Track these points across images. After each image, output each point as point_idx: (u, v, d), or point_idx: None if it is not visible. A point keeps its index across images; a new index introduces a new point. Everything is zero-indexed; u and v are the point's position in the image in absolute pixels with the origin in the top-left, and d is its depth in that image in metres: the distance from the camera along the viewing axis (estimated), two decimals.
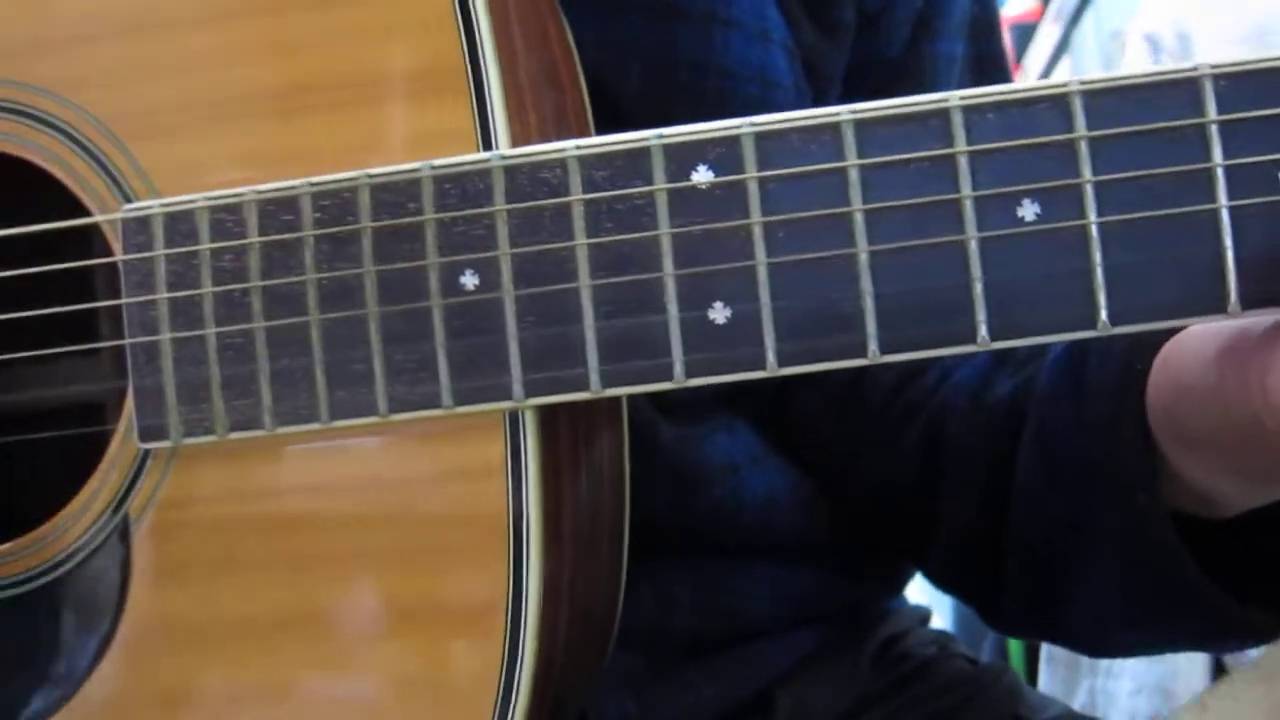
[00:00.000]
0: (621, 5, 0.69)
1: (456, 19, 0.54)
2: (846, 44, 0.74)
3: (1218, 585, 0.58)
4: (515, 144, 0.53)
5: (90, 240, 0.59)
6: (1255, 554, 0.59)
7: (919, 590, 1.00)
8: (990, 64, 0.78)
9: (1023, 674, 1.29)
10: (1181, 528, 0.58)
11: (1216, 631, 0.60)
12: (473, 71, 0.53)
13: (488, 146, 0.52)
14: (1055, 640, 0.78)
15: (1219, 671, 1.43)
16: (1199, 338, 0.52)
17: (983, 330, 0.47)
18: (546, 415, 0.53)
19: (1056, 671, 1.38)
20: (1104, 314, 0.46)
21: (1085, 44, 1.90)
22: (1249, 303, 0.45)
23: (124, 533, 0.57)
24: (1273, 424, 0.47)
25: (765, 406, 0.76)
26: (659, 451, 0.71)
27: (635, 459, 0.62)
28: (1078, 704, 1.43)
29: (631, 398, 0.67)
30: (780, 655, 0.77)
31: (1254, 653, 0.58)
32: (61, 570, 0.58)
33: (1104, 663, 1.32)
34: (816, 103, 0.72)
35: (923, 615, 0.86)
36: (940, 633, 0.85)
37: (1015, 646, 1.60)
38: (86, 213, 0.58)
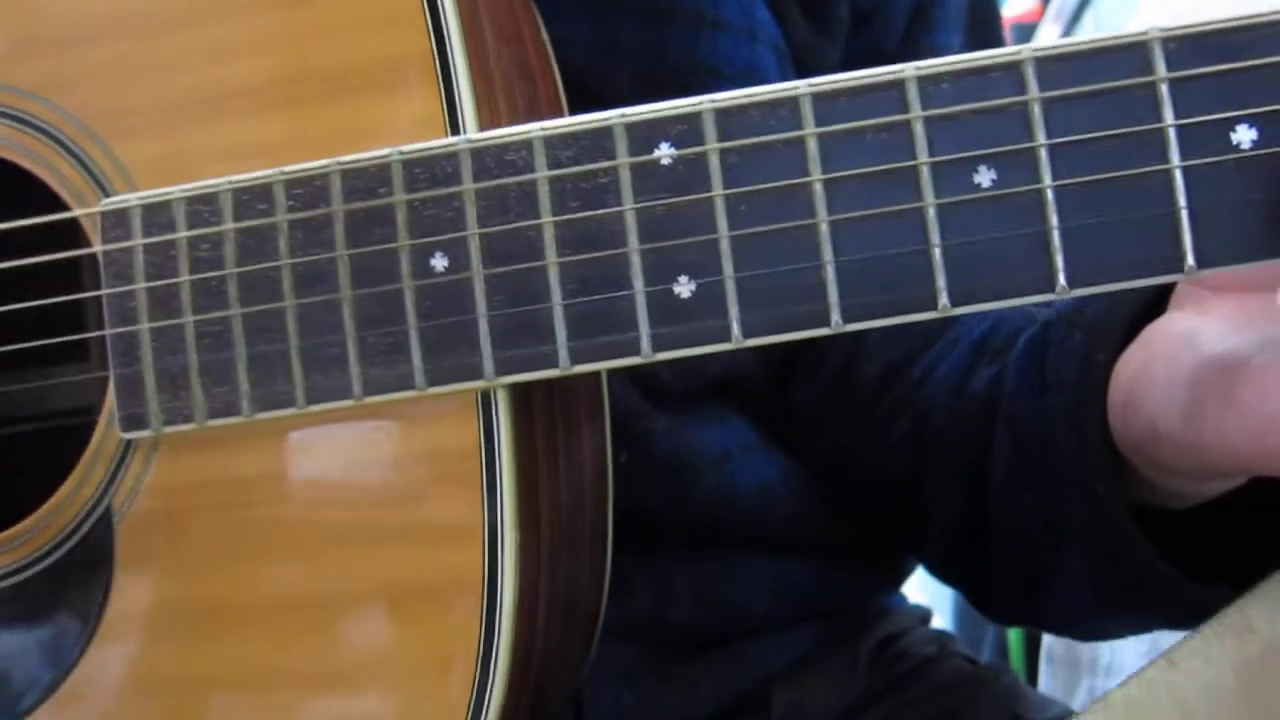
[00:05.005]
0: (611, 8, 0.70)
1: (424, 11, 0.55)
2: (841, 40, 0.74)
3: (1191, 565, 0.58)
4: (484, 130, 0.53)
5: (78, 240, 0.60)
6: (1226, 525, 0.59)
7: (919, 590, 1.00)
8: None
9: (1022, 674, 1.29)
10: (1150, 509, 0.58)
11: (1188, 614, 0.60)
12: (440, 60, 0.54)
13: (456, 132, 0.53)
14: (1044, 628, 0.79)
15: None
16: (1165, 370, 0.52)
17: (943, 297, 0.47)
18: (520, 399, 0.54)
19: (1056, 671, 1.37)
20: (1062, 276, 0.46)
21: None
22: (1204, 261, 0.45)
23: (108, 523, 0.57)
24: (1231, 470, 0.47)
25: (758, 399, 0.76)
26: (652, 442, 0.71)
27: (629, 451, 0.62)
28: (1077, 704, 1.42)
29: (622, 389, 0.68)
30: (777, 652, 0.77)
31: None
32: (47, 562, 0.58)
33: (1104, 662, 1.31)
34: None
35: (923, 615, 0.86)
36: (940, 632, 0.85)
37: (1015, 646, 1.59)
38: (68, 210, 0.59)
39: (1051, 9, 1.92)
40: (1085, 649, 1.41)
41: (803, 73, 0.73)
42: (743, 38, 0.71)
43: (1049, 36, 1.88)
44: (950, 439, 0.70)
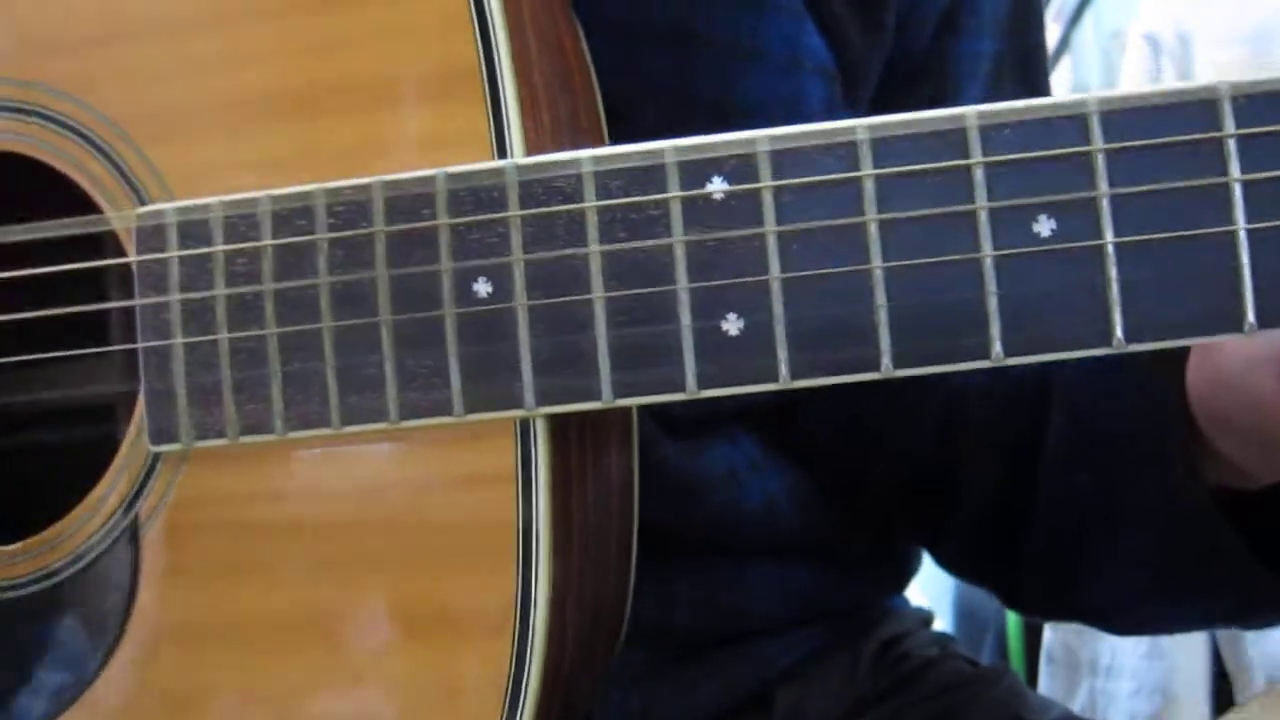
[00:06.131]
0: (639, 34, 0.68)
1: (472, 22, 0.53)
2: (885, 49, 0.73)
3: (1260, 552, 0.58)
4: (529, 147, 0.53)
5: (101, 243, 0.59)
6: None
7: (920, 592, 1.00)
8: (1025, 58, 0.77)
9: (1023, 675, 1.29)
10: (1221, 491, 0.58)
11: (1252, 603, 0.60)
12: (488, 74, 0.53)
13: (502, 149, 0.52)
14: (1076, 618, 0.78)
15: (1219, 673, 1.43)
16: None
17: (997, 346, 0.47)
18: (558, 423, 0.53)
19: (1056, 673, 1.38)
20: (1119, 331, 0.46)
21: (1085, 44, 1.89)
22: (1265, 321, 0.45)
23: (133, 535, 0.57)
24: None
25: (770, 414, 0.76)
26: (660, 466, 0.70)
27: (639, 475, 0.62)
28: (1078, 705, 1.43)
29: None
30: (780, 654, 0.77)
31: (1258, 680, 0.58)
32: (70, 572, 0.58)
33: (1104, 663, 1.32)
34: (849, 106, 0.72)
35: (924, 617, 0.86)
36: (941, 634, 0.85)
37: (1015, 648, 1.60)
38: (100, 214, 0.58)
39: (1051, 9, 1.91)
40: (1085, 650, 1.42)
41: (849, 91, 0.72)
42: (784, 68, 0.69)
43: (1049, 36, 1.87)
44: (990, 421, 0.69)
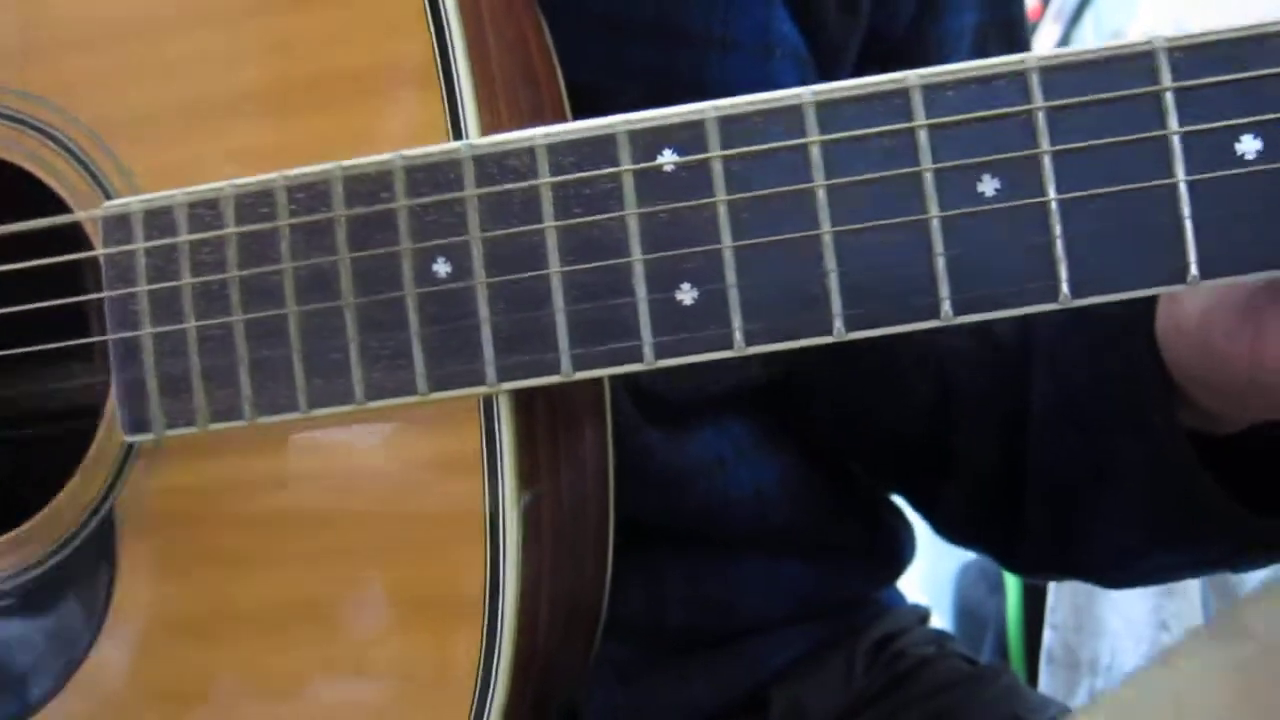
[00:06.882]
0: (620, 27, 0.69)
1: (427, 17, 0.54)
2: (861, 32, 0.74)
3: (1251, 495, 0.58)
4: (486, 135, 0.53)
5: (80, 244, 0.60)
6: (1263, 462, 0.59)
7: (919, 590, 1.00)
8: (1009, 28, 0.77)
9: (1022, 674, 1.29)
10: (1203, 437, 0.59)
11: (1243, 548, 0.60)
12: (442, 64, 0.54)
13: (458, 137, 0.53)
14: (1078, 575, 0.78)
15: None
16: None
17: (946, 306, 0.47)
18: (523, 405, 0.54)
19: (1056, 672, 1.38)
20: (1065, 286, 0.46)
21: (1085, 44, 1.90)
22: (1208, 271, 0.45)
23: (109, 527, 0.57)
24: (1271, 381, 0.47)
25: (757, 398, 0.76)
26: (645, 455, 0.71)
27: (623, 464, 0.62)
28: (1077, 704, 1.42)
29: (618, 405, 0.68)
30: (774, 653, 0.77)
31: None
32: (51, 564, 0.59)
33: (1104, 663, 1.32)
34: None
35: (921, 614, 0.86)
36: (939, 632, 0.85)
37: (1015, 647, 1.59)
38: (70, 213, 0.59)
39: (1051, 9, 1.92)
40: (1085, 650, 1.41)
41: (827, 78, 0.72)
42: (756, 56, 0.70)
43: (1049, 36, 1.88)
44: (979, 387, 0.70)
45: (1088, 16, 1.89)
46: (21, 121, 0.60)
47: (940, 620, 0.90)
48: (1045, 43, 1.87)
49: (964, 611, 1.60)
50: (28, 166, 0.60)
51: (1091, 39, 1.90)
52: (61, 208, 0.59)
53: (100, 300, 0.56)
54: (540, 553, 0.55)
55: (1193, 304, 0.53)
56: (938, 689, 0.79)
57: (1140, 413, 0.59)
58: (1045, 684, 1.37)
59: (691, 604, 0.75)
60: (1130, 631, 1.38)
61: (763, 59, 0.70)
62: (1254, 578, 0.70)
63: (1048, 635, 1.49)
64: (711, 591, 0.75)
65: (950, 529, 0.79)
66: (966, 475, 0.72)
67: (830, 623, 0.79)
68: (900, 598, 0.86)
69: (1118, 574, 0.72)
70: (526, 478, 0.54)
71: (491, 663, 0.53)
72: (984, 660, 0.84)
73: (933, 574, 1.53)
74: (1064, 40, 1.88)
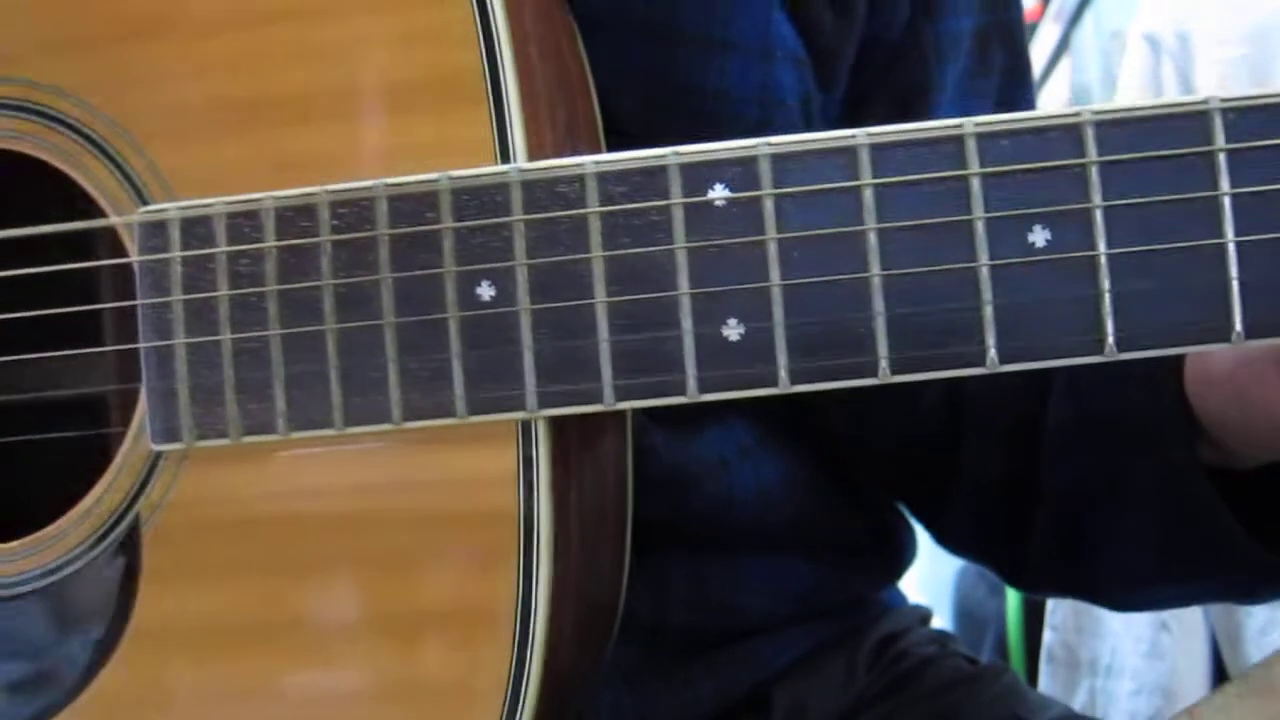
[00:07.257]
0: (620, 26, 0.68)
1: (476, 29, 0.54)
2: (857, 35, 0.73)
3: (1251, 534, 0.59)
4: (531, 154, 0.53)
5: (95, 242, 0.60)
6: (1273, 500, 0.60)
7: (919, 590, 1.01)
8: (1008, 31, 0.77)
9: (1023, 674, 1.30)
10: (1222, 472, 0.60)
11: (1254, 582, 0.61)
12: (492, 81, 0.54)
13: (505, 156, 0.53)
14: (1082, 595, 0.79)
15: (1219, 673, 1.44)
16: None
17: (992, 353, 0.48)
18: (557, 423, 0.54)
19: (1057, 672, 1.39)
20: (1111, 340, 0.47)
21: (1085, 44, 1.90)
22: (1253, 332, 0.46)
23: (133, 534, 0.57)
24: None
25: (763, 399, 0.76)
26: (650, 456, 0.71)
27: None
28: (1078, 704, 1.44)
29: None
30: (777, 653, 0.78)
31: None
32: (73, 568, 0.58)
33: (1104, 663, 1.34)
34: (823, 92, 0.73)
35: (923, 615, 0.87)
36: (940, 632, 0.86)
37: (1015, 647, 1.61)
38: (101, 214, 0.58)
39: (1051, 9, 1.92)
40: (1085, 650, 1.43)
41: (822, 77, 0.73)
42: (755, 57, 0.70)
43: (1049, 36, 1.88)
44: (990, 402, 0.70)
45: (1088, 16, 1.89)
46: (51, 117, 0.59)
47: (940, 621, 0.91)
48: (1045, 43, 1.87)
49: (964, 612, 1.61)
50: (57, 164, 0.59)
51: (1091, 39, 1.90)
52: (91, 206, 0.59)
53: (124, 307, 0.56)
54: (567, 566, 0.56)
55: (1224, 355, 0.54)
56: (939, 689, 0.79)
57: (1160, 443, 0.60)
58: (1045, 683, 1.39)
59: (695, 606, 0.75)
60: (1130, 631, 1.40)
61: (762, 60, 0.70)
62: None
63: (1048, 635, 1.50)
64: (714, 591, 0.76)
65: (955, 541, 0.80)
66: (971, 487, 0.72)
67: (833, 623, 0.80)
68: (902, 598, 0.87)
69: (1126, 596, 0.73)
70: (560, 494, 0.54)
71: (522, 677, 0.53)
72: (984, 660, 0.84)
73: (933, 575, 1.54)
74: (1064, 40, 1.88)
